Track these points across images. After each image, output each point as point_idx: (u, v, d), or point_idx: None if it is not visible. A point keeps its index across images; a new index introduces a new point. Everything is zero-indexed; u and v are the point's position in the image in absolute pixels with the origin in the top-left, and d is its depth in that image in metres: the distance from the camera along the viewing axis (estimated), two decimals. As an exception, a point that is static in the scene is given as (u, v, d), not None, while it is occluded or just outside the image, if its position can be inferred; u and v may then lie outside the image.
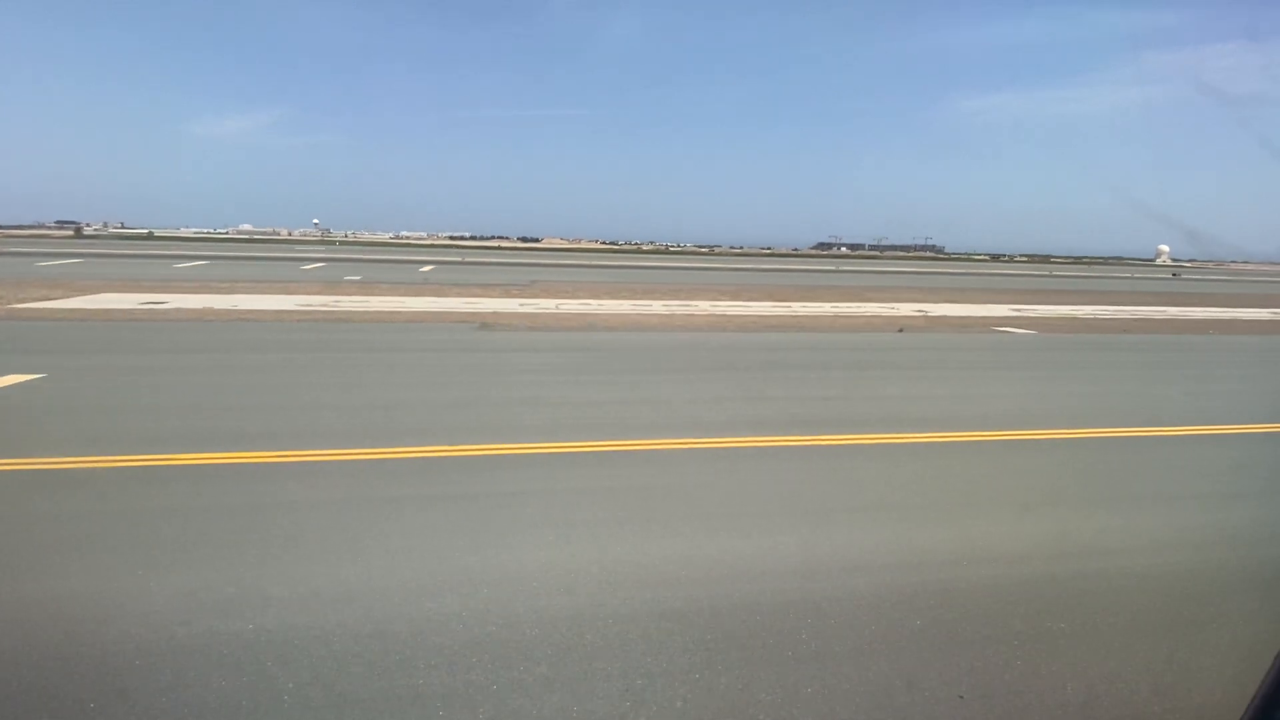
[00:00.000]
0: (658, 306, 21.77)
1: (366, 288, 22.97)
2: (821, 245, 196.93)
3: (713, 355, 12.17)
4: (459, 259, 55.50)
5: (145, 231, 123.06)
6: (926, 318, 20.44)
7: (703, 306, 22.10)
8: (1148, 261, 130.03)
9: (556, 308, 20.08)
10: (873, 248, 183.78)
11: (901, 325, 16.55)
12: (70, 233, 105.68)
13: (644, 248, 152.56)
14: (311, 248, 72.42)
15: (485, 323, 14.89)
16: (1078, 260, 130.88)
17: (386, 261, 43.51)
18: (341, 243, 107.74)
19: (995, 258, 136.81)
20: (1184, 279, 56.67)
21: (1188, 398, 9.89)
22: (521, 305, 20.30)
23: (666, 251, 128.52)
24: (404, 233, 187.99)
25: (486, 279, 29.38)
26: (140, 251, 46.44)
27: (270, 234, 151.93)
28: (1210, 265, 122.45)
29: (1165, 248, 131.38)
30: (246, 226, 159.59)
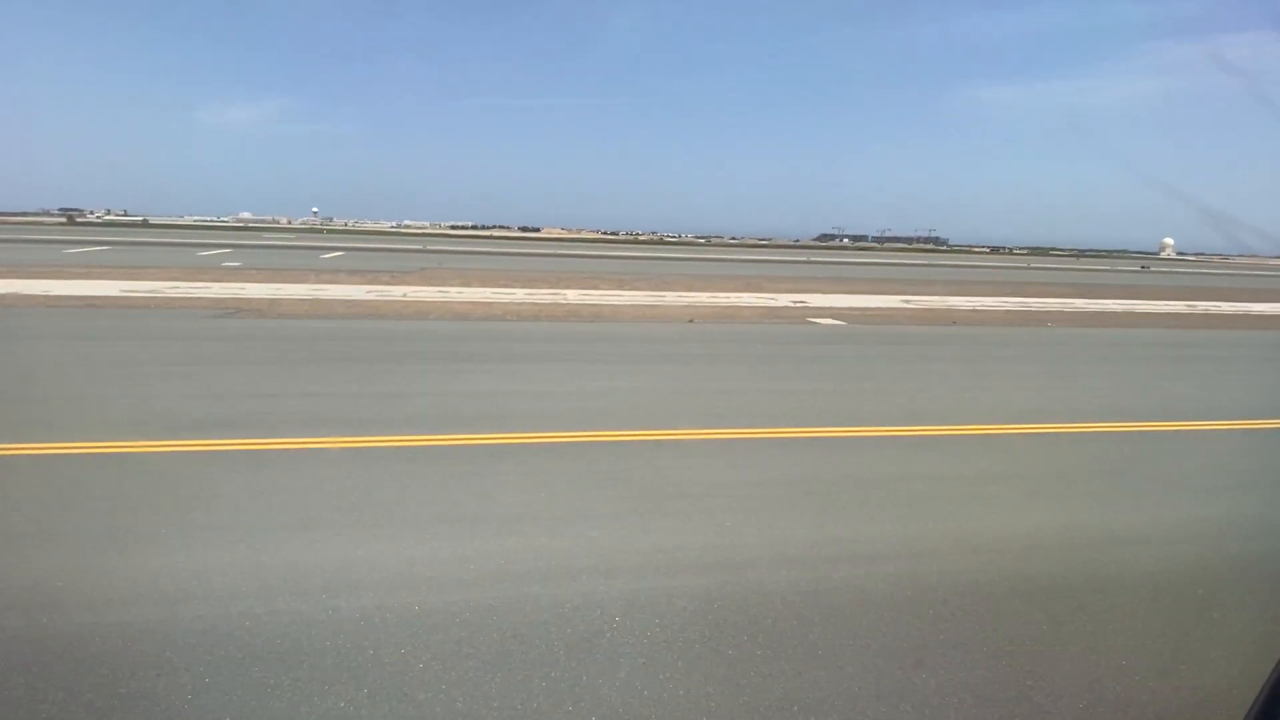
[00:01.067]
0: (520, 294, 21.26)
1: (226, 274, 22.65)
2: (824, 236, 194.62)
3: (417, 345, 11.58)
4: (419, 247, 55.23)
5: (140, 219, 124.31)
6: (780, 309, 19.67)
7: (569, 296, 21.51)
8: (1151, 255, 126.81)
9: (403, 295, 19.63)
10: (875, 239, 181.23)
11: (692, 317, 15.83)
12: (64, 220, 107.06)
13: (640, 238, 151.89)
14: (265, 235, 72.72)
15: (241, 309, 14.42)
16: (1082, 253, 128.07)
17: (298, 248, 43.00)
18: (329, 231, 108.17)
19: (995, 250, 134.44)
20: (1152, 271, 55.06)
21: (832, 395, 9.09)
22: (367, 293, 19.86)
23: (661, 242, 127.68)
24: (407, 222, 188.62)
25: (381, 266, 28.92)
26: (83, 238, 46.67)
27: (270, 222, 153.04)
28: (1216, 259, 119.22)
29: (1170, 241, 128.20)
30: (246, 215, 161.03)
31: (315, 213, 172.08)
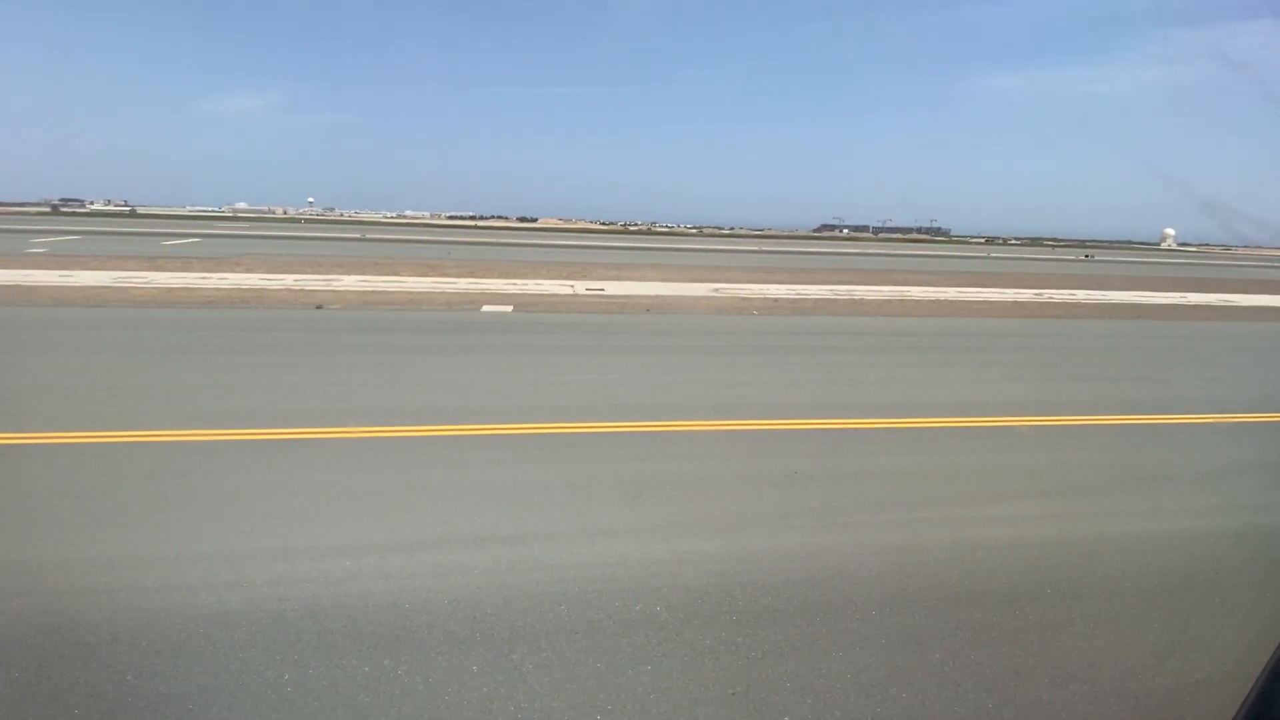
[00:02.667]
0: (289, 280, 20.55)
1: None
2: (825, 227, 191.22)
3: None
4: (357, 236, 54.97)
5: (129, 209, 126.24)
6: (482, 294, 18.56)
7: (345, 282, 20.74)
8: (1152, 245, 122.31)
9: (146, 282, 18.96)
10: (875, 230, 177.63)
11: (320, 303, 14.77)
12: (49, 209, 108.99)
13: (632, 228, 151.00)
14: (220, 224, 73.14)
15: None
16: (1082, 244, 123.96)
17: (161, 234, 42.54)
18: (307, 221, 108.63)
19: (990, 240, 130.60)
20: (1097, 260, 52.75)
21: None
22: (110, 279, 19.24)
23: (648, 233, 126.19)
24: (408, 212, 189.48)
25: (207, 253, 28.16)
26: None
27: (265, 212, 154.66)
28: (1217, 250, 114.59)
29: (1171, 231, 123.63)
30: (242, 205, 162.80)
31: (311, 203, 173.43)
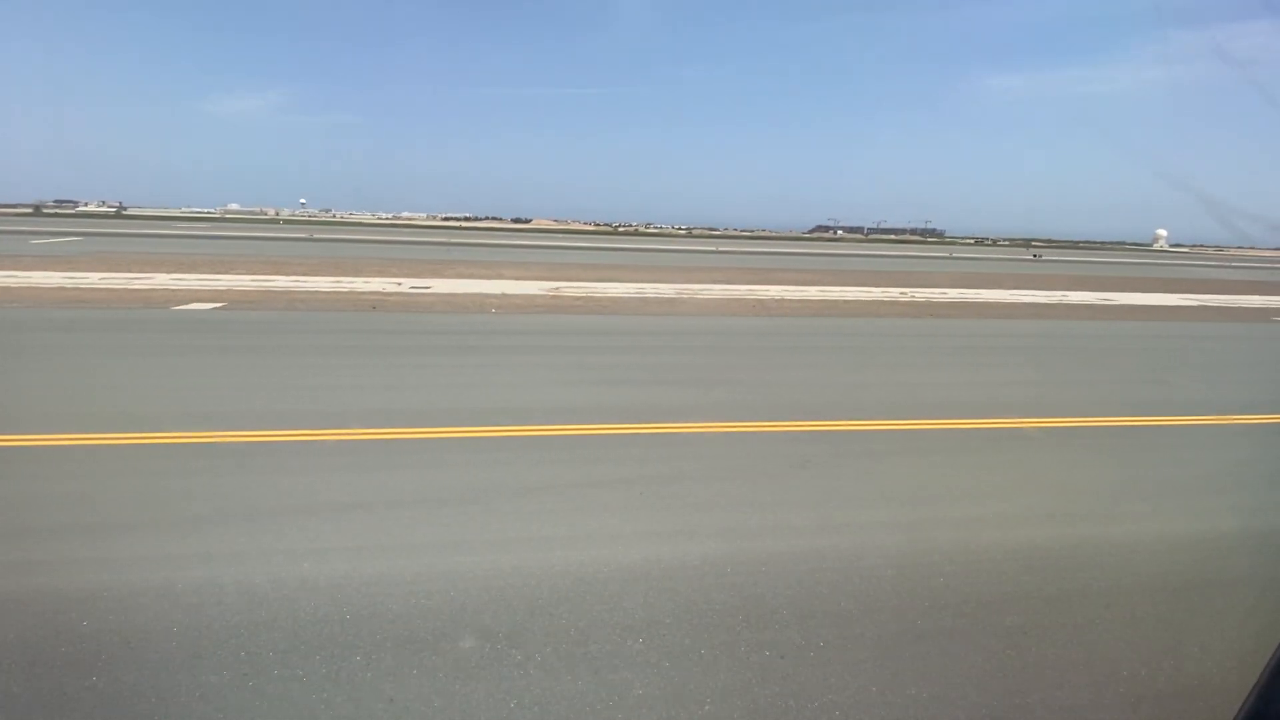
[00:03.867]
0: (93, 279, 19.81)
1: None
2: (820, 228, 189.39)
3: None
4: (304, 235, 54.75)
5: (115, 211, 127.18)
6: (202, 291, 17.65)
7: (157, 280, 20.02)
8: (1144, 246, 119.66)
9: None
10: (868, 231, 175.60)
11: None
12: (30, 210, 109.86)
13: (620, 229, 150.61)
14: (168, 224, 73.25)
15: None
16: (1075, 244, 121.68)
17: (55, 233, 42.40)
18: (285, 221, 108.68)
19: (980, 241, 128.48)
20: (1044, 260, 51.36)
21: None
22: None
23: (635, 234, 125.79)
24: (404, 214, 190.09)
25: (80, 250, 27.63)
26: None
27: (258, 213, 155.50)
28: (1210, 250, 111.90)
29: (1163, 232, 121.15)
30: (234, 206, 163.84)
31: (303, 204, 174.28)
